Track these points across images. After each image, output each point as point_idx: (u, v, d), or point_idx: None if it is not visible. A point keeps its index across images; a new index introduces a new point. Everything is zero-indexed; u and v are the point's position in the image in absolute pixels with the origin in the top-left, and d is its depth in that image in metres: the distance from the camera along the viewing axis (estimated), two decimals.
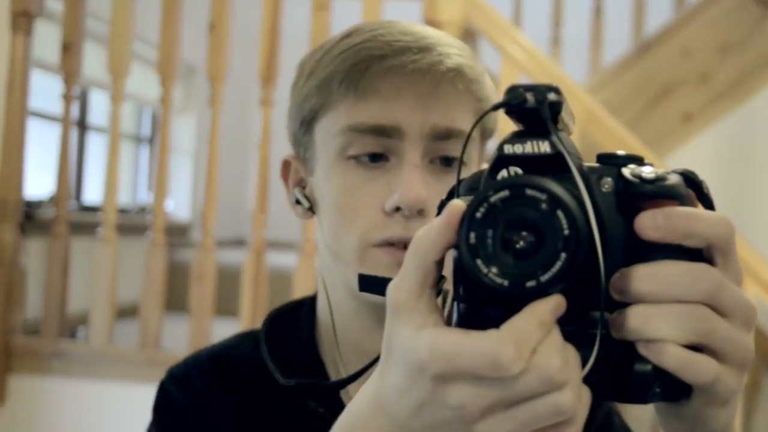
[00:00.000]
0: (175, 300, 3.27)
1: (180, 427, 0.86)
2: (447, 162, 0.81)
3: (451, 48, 0.80)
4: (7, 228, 2.55)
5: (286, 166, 0.89)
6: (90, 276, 2.55)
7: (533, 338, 0.46)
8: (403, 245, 0.78)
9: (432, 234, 0.49)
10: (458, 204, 0.48)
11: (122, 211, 3.86)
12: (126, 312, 2.88)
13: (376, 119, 0.78)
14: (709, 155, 3.54)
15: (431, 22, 2.38)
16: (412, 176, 0.77)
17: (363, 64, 0.78)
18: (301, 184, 0.88)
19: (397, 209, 0.78)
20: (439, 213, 0.53)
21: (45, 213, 3.10)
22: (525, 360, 0.46)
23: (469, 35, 2.96)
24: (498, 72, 3.74)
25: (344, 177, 0.80)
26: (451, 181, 0.78)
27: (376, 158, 0.80)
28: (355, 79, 0.78)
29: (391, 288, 0.51)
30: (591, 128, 2.41)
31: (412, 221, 0.78)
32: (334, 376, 0.87)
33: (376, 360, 0.79)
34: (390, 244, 0.79)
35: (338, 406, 0.82)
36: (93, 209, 3.69)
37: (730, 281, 0.49)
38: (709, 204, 0.51)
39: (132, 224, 3.72)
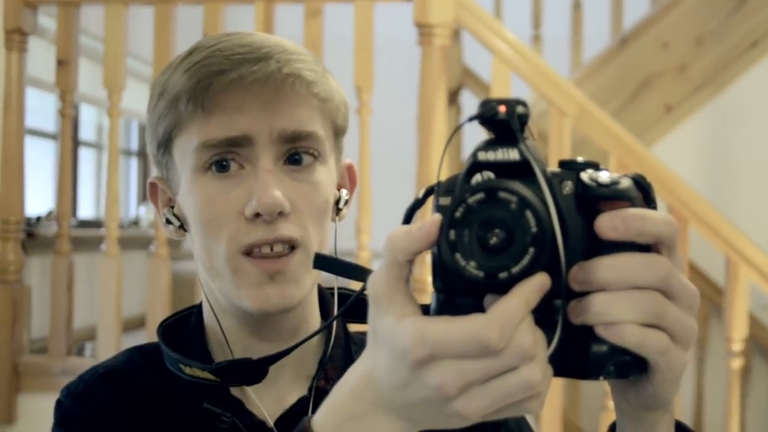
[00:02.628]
0: None
1: None
2: (298, 161, 0.85)
3: (288, 54, 0.84)
4: (10, 247, 2.56)
5: (153, 187, 0.92)
6: (98, 291, 2.56)
7: (518, 318, 0.52)
8: (270, 248, 0.82)
9: (407, 239, 0.55)
10: (437, 217, 0.55)
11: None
12: (129, 326, 2.89)
13: (225, 132, 0.82)
14: (691, 144, 3.61)
15: (422, 25, 2.42)
16: (267, 182, 0.82)
17: (206, 81, 0.81)
18: (170, 204, 0.91)
19: (258, 215, 0.82)
20: (406, 217, 0.60)
21: (44, 230, 3.10)
22: (508, 339, 0.52)
23: (454, 35, 3.01)
24: (489, 69, 3.80)
25: (203, 190, 0.84)
26: (305, 179, 0.84)
27: (225, 167, 0.83)
28: (200, 97, 0.82)
29: (370, 280, 0.57)
30: (583, 122, 2.46)
31: (274, 224, 0.82)
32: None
33: (299, 344, 0.85)
34: (258, 248, 0.83)
35: (243, 413, 0.87)
36: (90, 224, 3.69)
37: (677, 270, 0.56)
38: (654, 205, 0.58)
39: (127, 238, 3.73)
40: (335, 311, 0.94)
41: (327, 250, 0.88)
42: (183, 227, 0.89)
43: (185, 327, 0.94)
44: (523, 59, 2.46)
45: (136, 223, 4.26)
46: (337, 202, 0.92)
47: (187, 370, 0.86)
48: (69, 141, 2.65)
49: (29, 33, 2.62)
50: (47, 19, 3.05)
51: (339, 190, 0.93)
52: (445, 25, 2.43)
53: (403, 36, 3.31)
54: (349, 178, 0.95)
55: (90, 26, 2.87)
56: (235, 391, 0.89)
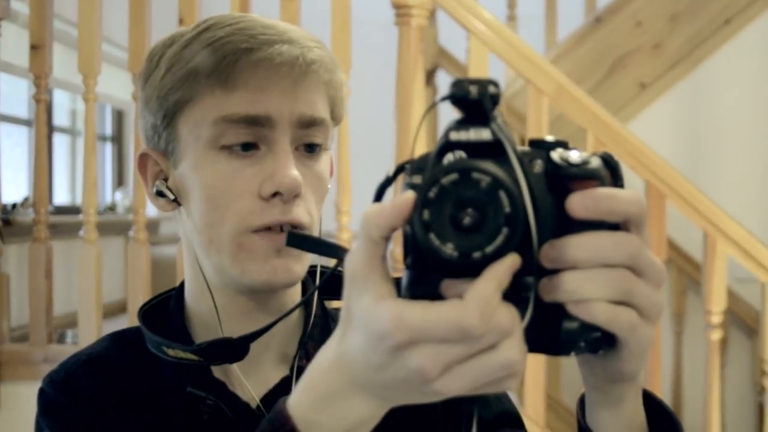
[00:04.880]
0: None
1: (70, 429, 0.87)
2: (311, 149, 0.87)
3: (310, 42, 0.86)
4: None
5: (143, 159, 0.91)
6: (76, 277, 2.54)
7: (495, 300, 0.53)
8: (280, 228, 0.84)
9: (381, 215, 0.56)
10: (410, 194, 0.55)
11: None
12: (108, 312, 2.87)
13: (247, 109, 0.83)
14: (668, 121, 3.64)
15: (400, 5, 2.41)
16: (287, 161, 0.83)
17: (231, 57, 0.82)
18: (161, 176, 0.90)
19: (275, 194, 0.83)
20: (377, 194, 0.60)
21: (20, 217, 3.07)
22: (487, 323, 0.52)
23: (430, 15, 3.00)
24: (464, 49, 3.80)
25: (217, 166, 0.84)
26: (313, 166, 0.86)
27: (248, 147, 0.84)
28: (225, 72, 0.82)
29: (347, 258, 0.57)
30: (561, 101, 2.47)
31: (289, 205, 0.84)
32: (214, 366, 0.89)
33: (277, 320, 0.86)
34: (268, 228, 0.84)
35: (226, 395, 0.87)
36: (66, 211, 3.66)
37: (645, 248, 0.57)
38: (621, 183, 0.59)
39: (104, 223, 3.70)
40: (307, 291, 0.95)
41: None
42: (177, 201, 0.89)
43: (165, 310, 0.94)
44: (500, 39, 2.47)
45: (112, 208, 4.23)
46: None
47: (170, 351, 0.86)
48: (44, 127, 2.62)
49: (2, 17, 2.59)
50: (19, 4, 3.01)
51: None
52: (422, 6, 2.42)
53: (379, 17, 3.31)
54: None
55: (62, 11, 2.84)
56: (218, 373, 0.89)
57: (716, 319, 2.47)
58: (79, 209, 2.65)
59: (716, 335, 2.49)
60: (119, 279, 3.78)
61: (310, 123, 0.85)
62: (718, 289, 2.45)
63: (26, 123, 3.58)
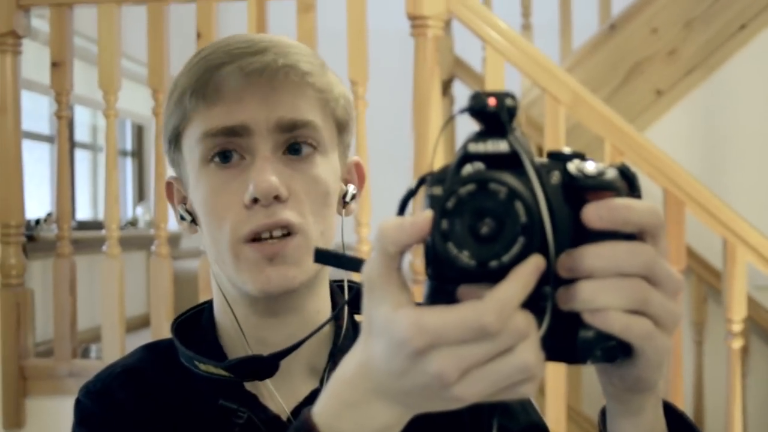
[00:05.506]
0: (177, 312, 3.29)
1: None
2: (297, 151, 0.87)
3: (286, 47, 0.87)
4: (11, 251, 2.56)
5: (169, 187, 0.95)
6: (99, 292, 2.57)
7: (514, 302, 0.54)
8: (270, 235, 0.85)
9: (398, 231, 0.57)
10: (428, 213, 0.56)
11: None
12: (130, 326, 2.90)
13: (224, 121, 0.85)
14: (683, 128, 3.63)
15: (415, 17, 2.43)
16: (263, 167, 0.85)
17: (206, 75, 0.85)
18: (183, 201, 0.94)
19: (255, 201, 0.84)
20: (401, 207, 0.61)
21: (44, 233, 3.11)
22: (504, 323, 0.53)
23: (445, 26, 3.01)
24: (479, 59, 3.80)
25: (208, 181, 0.87)
26: (304, 169, 0.87)
27: (229, 158, 0.86)
28: (202, 90, 0.86)
29: (363, 270, 0.59)
30: (578, 110, 2.48)
31: (272, 208, 0.85)
32: None
33: (307, 338, 0.87)
34: (257, 237, 0.85)
35: (257, 408, 0.89)
36: (88, 226, 3.69)
37: (661, 258, 0.58)
38: (638, 194, 0.60)
39: (125, 238, 3.73)
40: (337, 304, 0.96)
41: (333, 243, 0.91)
42: (195, 222, 0.92)
43: (198, 323, 0.96)
44: (516, 48, 2.48)
45: (133, 223, 4.26)
46: (344, 196, 0.94)
47: (202, 366, 0.88)
48: (66, 143, 2.65)
49: (23, 36, 2.62)
50: (39, 21, 3.05)
51: (346, 184, 0.95)
52: (438, 17, 2.44)
53: (395, 28, 3.33)
54: (357, 174, 0.98)
55: (82, 28, 2.87)
56: (249, 385, 0.90)
57: (737, 327, 2.46)
58: (101, 224, 2.67)
59: (737, 343, 2.48)
60: (141, 293, 3.81)
61: (291, 126, 0.86)
62: (738, 297, 2.44)
63: (47, 139, 3.61)
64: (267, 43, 0.87)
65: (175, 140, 0.90)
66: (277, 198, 0.84)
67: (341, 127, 0.92)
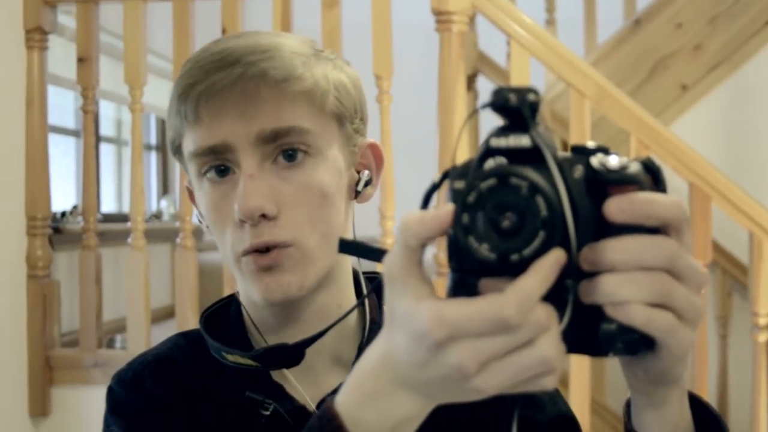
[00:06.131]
0: (202, 303, 3.31)
1: (137, 427, 0.90)
2: (291, 157, 0.85)
3: (256, 55, 0.85)
4: (38, 243, 2.59)
5: (189, 192, 0.94)
6: (124, 284, 2.59)
7: (536, 295, 0.54)
8: (266, 248, 0.84)
9: (420, 224, 0.57)
10: (450, 206, 0.57)
11: None
12: (155, 318, 2.92)
13: (207, 141, 0.84)
14: (708, 123, 3.61)
15: (440, 12, 2.43)
16: (245, 188, 0.83)
17: (184, 95, 0.85)
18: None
19: (243, 220, 0.84)
20: (425, 200, 0.61)
21: (69, 225, 3.14)
22: (525, 316, 0.53)
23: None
24: (502, 53, 3.79)
25: (207, 196, 0.87)
26: (295, 177, 0.85)
27: (224, 172, 0.86)
28: (183, 110, 0.85)
29: (384, 263, 0.59)
30: (603, 104, 2.47)
31: (260, 228, 0.84)
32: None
33: (331, 326, 0.87)
34: (255, 249, 0.85)
35: (284, 398, 0.89)
36: (113, 218, 3.72)
37: (685, 251, 0.57)
38: (663, 187, 0.60)
39: (150, 230, 3.76)
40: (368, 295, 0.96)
41: (344, 234, 0.90)
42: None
43: (226, 315, 0.97)
44: (541, 43, 2.47)
45: (157, 216, 4.29)
46: (357, 183, 0.92)
47: (229, 357, 0.89)
48: (92, 137, 2.67)
49: (49, 32, 2.65)
50: (65, 17, 3.07)
51: (359, 172, 0.93)
52: (463, 12, 2.44)
53: (418, 23, 3.33)
54: (374, 156, 0.95)
55: (107, 23, 2.89)
56: (276, 376, 0.91)
57: (764, 321, 2.45)
58: (125, 217, 2.70)
59: (764, 337, 2.47)
60: (165, 285, 3.84)
61: (274, 136, 0.84)
62: (765, 290, 2.43)
63: (73, 133, 3.64)
64: (239, 53, 0.85)
65: (177, 151, 0.91)
66: (265, 216, 0.84)
67: (339, 119, 0.89)
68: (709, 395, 2.82)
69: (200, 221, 0.93)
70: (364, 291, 0.97)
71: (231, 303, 0.97)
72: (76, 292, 2.67)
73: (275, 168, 0.85)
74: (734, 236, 3.19)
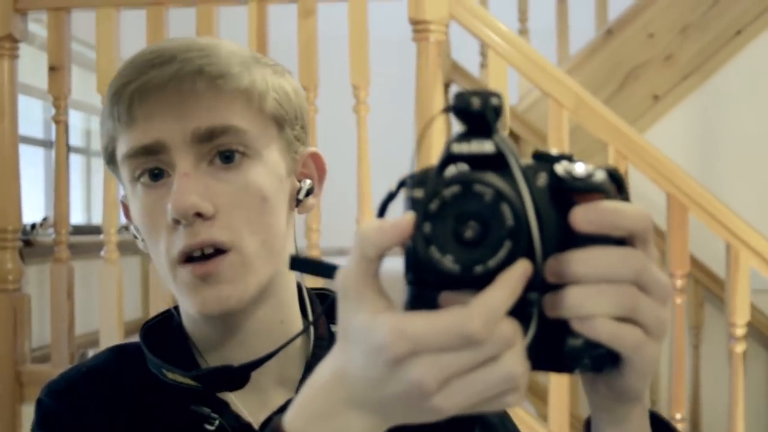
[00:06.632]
0: None
1: None
2: (227, 158, 0.83)
3: (192, 52, 0.83)
4: (8, 256, 2.53)
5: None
6: (95, 297, 2.54)
7: (502, 308, 0.51)
8: (202, 253, 0.81)
9: (379, 233, 0.54)
10: (410, 214, 0.54)
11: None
12: (128, 331, 2.87)
13: (140, 141, 0.82)
14: (680, 133, 3.64)
15: (417, 21, 2.41)
16: (179, 186, 0.80)
17: (117, 95, 0.83)
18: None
19: (177, 221, 0.81)
20: (380, 211, 0.58)
21: (39, 237, 3.08)
22: (490, 330, 0.51)
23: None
24: (474, 62, 3.79)
25: (139, 201, 0.84)
26: (232, 178, 0.82)
27: (158, 176, 0.83)
28: (115, 111, 0.83)
29: (339, 275, 0.56)
30: (581, 114, 2.47)
31: (195, 228, 0.81)
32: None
33: (276, 351, 0.84)
34: (189, 257, 0.82)
35: (229, 415, 0.85)
36: (82, 231, 3.66)
37: (651, 263, 0.56)
38: (627, 197, 0.58)
39: (120, 243, 3.70)
40: (313, 313, 0.92)
41: (286, 245, 0.87)
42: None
43: (168, 328, 0.92)
44: (519, 52, 2.47)
45: (127, 227, 4.23)
46: (298, 192, 0.89)
47: (169, 374, 0.85)
48: (64, 148, 2.62)
49: (20, 40, 2.60)
50: (34, 25, 3.02)
51: (300, 180, 0.90)
52: (441, 21, 2.42)
53: (391, 34, 3.31)
54: (315, 166, 0.93)
55: (78, 32, 2.84)
56: (220, 393, 0.87)
57: (740, 331, 2.46)
58: (95, 229, 2.65)
59: (740, 347, 2.48)
60: (136, 297, 3.78)
61: (209, 135, 0.82)
62: (741, 301, 2.44)
63: (40, 143, 3.58)
64: (174, 51, 0.83)
65: (110, 159, 0.87)
66: (200, 215, 0.81)
67: (279, 122, 0.87)
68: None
69: (135, 236, 0.89)
70: (308, 306, 0.93)
71: (172, 316, 0.93)
72: (47, 305, 2.62)
73: (211, 169, 0.83)
74: (706, 246, 3.21)
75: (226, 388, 0.85)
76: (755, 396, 3.61)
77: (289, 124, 0.88)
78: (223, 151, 0.83)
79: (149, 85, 0.81)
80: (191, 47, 0.83)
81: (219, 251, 0.81)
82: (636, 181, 2.82)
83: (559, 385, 2.42)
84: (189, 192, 0.80)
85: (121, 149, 0.84)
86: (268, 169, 0.85)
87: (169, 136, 0.81)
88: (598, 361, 0.55)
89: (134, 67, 0.82)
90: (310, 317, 0.92)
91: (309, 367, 0.88)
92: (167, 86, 0.81)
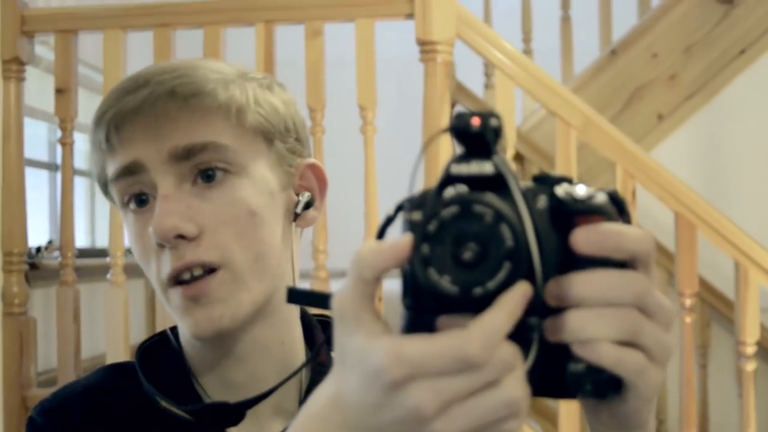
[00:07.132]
0: None
1: None
2: (209, 177, 0.82)
3: (166, 74, 0.83)
4: (14, 279, 2.52)
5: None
6: (101, 320, 2.53)
7: (501, 332, 0.50)
8: (191, 275, 0.81)
9: (376, 255, 0.53)
10: (408, 236, 0.53)
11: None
12: (132, 354, 2.86)
13: (120, 163, 0.82)
14: (685, 152, 3.64)
15: (425, 42, 2.42)
16: (159, 209, 0.80)
17: (96, 125, 0.84)
18: None
19: (161, 244, 0.81)
20: (379, 235, 0.57)
21: (45, 261, 3.06)
22: (490, 354, 0.50)
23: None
24: (479, 83, 3.80)
25: (129, 226, 0.84)
26: (216, 196, 0.82)
27: (144, 202, 0.83)
28: (96, 139, 0.84)
29: (335, 299, 0.54)
30: (589, 134, 2.47)
31: (180, 250, 0.80)
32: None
33: (280, 384, 0.83)
34: (179, 279, 0.81)
35: None
36: (87, 254, 3.64)
37: (653, 287, 0.55)
38: (628, 219, 0.57)
39: (126, 266, 3.69)
40: (315, 338, 0.92)
41: (282, 261, 0.85)
42: None
43: (164, 350, 0.91)
44: (526, 72, 2.47)
45: (130, 251, 4.21)
46: (296, 206, 0.88)
47: (163, 402, 0.84)
48: (70, 170, 2.61)
49: (27, 62, 2.59)
50: (40, 48, 3.02)
51: (299, 193, 0.89)
52: (448, 42, 2.43)
53: (401, 54, 3.32)
54: (315, 177, 0.91)
55: (84, 55, 2.85)
56: None
57: (750, 350, 2.44)
58: (99, 252, 2.63)
59: (751, 366, 2.46)
60: (141, 320, 3.76)
61: (188, 152, 0.81)
62: (751, 320, 2.43)
63: (45, 166, 3.57)
64: (149, 75, 0.83)
65: (105, 189, 0.88)
66: (183, 237, 0.80)
67: (266, 135, 0.86)
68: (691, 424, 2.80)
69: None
70: (319, 332, 0.92)
71: (169, 339, 0.91)
72: (53, 329, 2.60)
73: (195, 189, 0.82)
74: (713, 265, 3.20)
75: (221, 425, 0.84)
76: (764, 415, 3.59)
77: (279, 137, 0.87)
78: (204, 170, 0.82)
79: (124, 111, 0.82)
80: (165, 70, 0.84)
81: (209, 271, 0.81)
82: (643, 200, 2.81)
83: (569, 408, 2.40)
84: (169, 214, 0.80)
85: (109, 175, 0.85)
86: (256, 183, 0.84)
87: (146, 156, 0.81)
88: (601, 387, 0.54)
89: (112, 95, 0.83)
90: (315, 343, 0.91)
91: (307, 395, 0.87)
92: (140, 110, 0.81)
